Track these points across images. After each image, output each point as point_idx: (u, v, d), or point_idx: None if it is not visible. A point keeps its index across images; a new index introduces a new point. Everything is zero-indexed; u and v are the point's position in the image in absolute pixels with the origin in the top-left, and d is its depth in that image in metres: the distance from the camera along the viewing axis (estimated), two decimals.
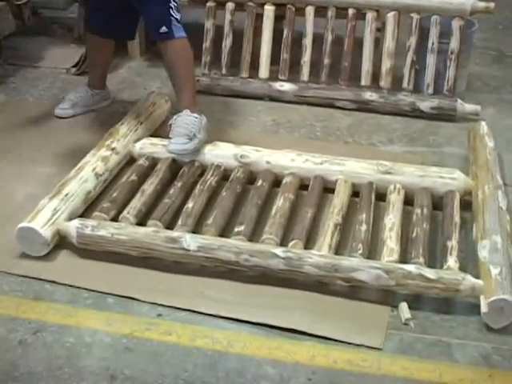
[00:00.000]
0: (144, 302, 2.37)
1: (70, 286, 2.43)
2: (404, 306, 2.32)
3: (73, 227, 2.54)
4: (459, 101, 3.50)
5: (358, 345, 2.21)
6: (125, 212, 2.65)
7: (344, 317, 2.31)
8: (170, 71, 3.11)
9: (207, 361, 2.15)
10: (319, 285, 2.42)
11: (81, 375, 2.11)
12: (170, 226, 2.62)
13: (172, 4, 2.94)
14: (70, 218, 2.61)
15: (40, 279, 2.46)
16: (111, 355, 2.18)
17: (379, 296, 2.38)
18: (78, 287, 2.43)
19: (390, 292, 2.38)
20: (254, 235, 2.59)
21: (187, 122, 2.98)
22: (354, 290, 2.40)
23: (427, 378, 2.11)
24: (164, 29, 2.94)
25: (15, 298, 2.39)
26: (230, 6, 3.72)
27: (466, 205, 2.76)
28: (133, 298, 2.38)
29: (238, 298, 2.39)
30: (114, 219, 2.65)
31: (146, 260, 2.51)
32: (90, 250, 2.55)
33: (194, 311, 2.33)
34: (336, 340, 2.22)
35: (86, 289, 2.42)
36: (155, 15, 2.97)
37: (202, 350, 2.19)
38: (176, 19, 2.96)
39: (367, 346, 2.20)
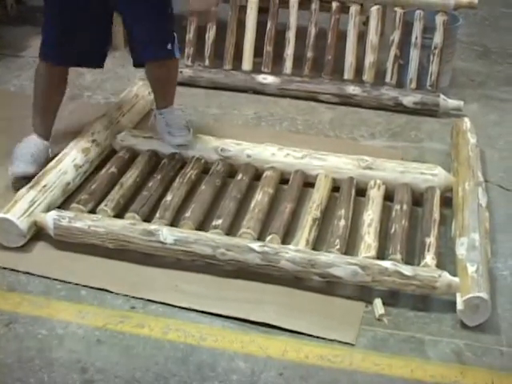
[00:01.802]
0: (118, 294, 2.36)
1: (44, 277, 2.42)
2: (378, 302, 2.32)
3: (50, 219, 2.53)
4: (442, 96, 3.50)
5: (330, 340, 2.21)
6: (102, 204, 2.64)
7: (318, 312, 2.31)
8: (159, 84, 2.99)
9: (179, 354, 2.15)
10: (294, 279, 2.41)
11: (51, 367, 2.10)
12: (148, 218, 2.61)
13: (173, 21, 2.81)
14: (49, 210, 2.60)
15: (14, 270, 2.45)
16: (83, 348, 2.17)
17: (354, 292, 2.38)
18: (52, 279, 2.42)
19: (365, 288, 2.38)
20: (231, 229, 2.58)
21: (178, 114, 2.99)
22: (328, 286, 2.40)
23: (399, 374, 2.11)
24: (169, 46, 2.78)
25: None
26: None
27: (447, 201, 2.76)
28: (106, 291, 2.37)
29: (212, 291, 2.38)
30: (93, 211, 2.63)
31: (123, 252, 2.51)
32: (66, 242, 2.53)
33: (168, 304, 2.32)
34: (309, 335, 2.22)
35: (60, 280, 2.41)
36: (164, 29, 2.78)
37: (174, 344, 2.19)
38: (175, 37, 2.82)
39: (340, 342, 2.20)
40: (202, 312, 2.29)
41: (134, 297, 2.35)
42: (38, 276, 2.43)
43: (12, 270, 2.45)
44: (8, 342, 2.18)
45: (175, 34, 2.83)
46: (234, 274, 2.44)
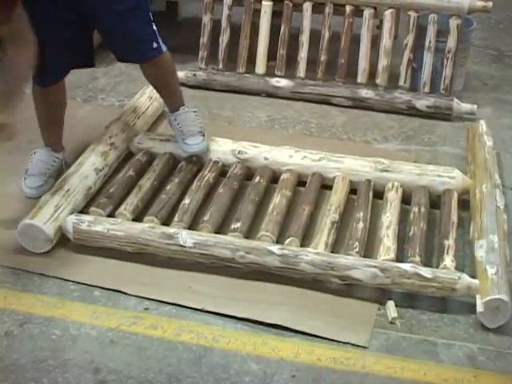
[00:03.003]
0: (131, 295, 2.37)
1: (58, 278, 2.44)
2: (391, 304, 2.32)
3: (69, 223, 2.54)
4: (455, 100, 3.49)
5: (343, 343, 2.21)
6: (121, 208, 2.65)
7: (331, 314, 2.31)
8: (158, 85, 2.98)
9: (191, 356, 2.16)
10: (306, 281, 2.42)
11: (65, 367, 2.11)
12: (166, 222, 2.62)
13: (151, 18, 2.76)
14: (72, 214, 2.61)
15: (28, 271, 2.47)
16: (96, 348, 2.18)
17: (367, 294, 2.38)
18: (66, 280, 2.43)
19: (378, 290, 2.38)
20: (250, 232, 2.59)
21: (192, 118, 2.97)
22: (341, 288, 2.40)
23: (411, 377, 2.11)
24: (155, 44, 2.76)
25: (3, 289, 2.40)
26: (227, 0, 3.71)
27: (464, 204, 2.76)
28: (120, 292, 2.38)
29: (225, 293, 2.39)
30: (111, 215, 2.65)
31: (140, 255, 2.51)
32: (84, 245, 2.55)
33: (181, 306, 2.33)
34: (321, 337, 2.22)
35: (74, 281, 2.43)
36: (144, 32, 2.75)
37: (187, 345, 2.19)
38: (156, 31, 2.77)
39: (353, 344, 2.20)
40: (215, 314, 2.30)
41: (147, 298, 2.36)
42: (52, 277, 2.45)
43: (26, 271, 2.47)
44: (22, 343, 2.19)
45: (155, 29, 2.76)
46: (247, 275, 2.45)
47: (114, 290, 2.39)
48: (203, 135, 2.94)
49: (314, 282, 2.42)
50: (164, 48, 2.83)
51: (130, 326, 2.26)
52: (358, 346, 2.20)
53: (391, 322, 2.28)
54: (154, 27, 2.76)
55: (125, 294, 2.38)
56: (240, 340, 2.22)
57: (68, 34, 2.65)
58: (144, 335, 2.23)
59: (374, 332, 2.25)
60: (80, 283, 2.42)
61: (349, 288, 2.40)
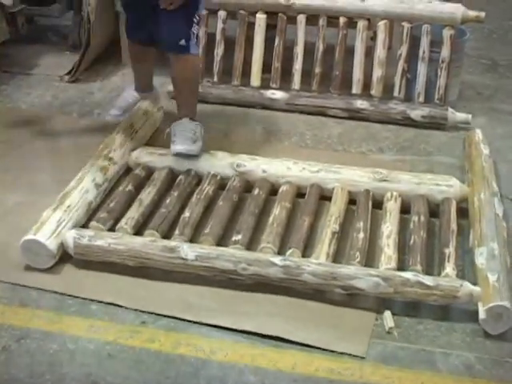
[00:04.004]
0: (128, 309, 2.37)
1: (55, 292, 2.44)
2: (388, 314, 2.33)
3: (70, 237, 2.54)
4: (450, 109, 3.51)
5: (340, 353, 2.21)
6: (122, 222, 2.65)
7: (328, 325, 2.31)
8: (176, 83, 3.15)
9: (189, 368, 2.16)
10: (305, 292, 2.42)
11: (63, 382, 2.11)
12: (167, 235, 2.63)
13: (195, 18, 2.97)
14: None
15: (26, 286, 2.47)
16: (94, 362, 2.18)
17: (364, 304, 2.39)
18: (63, 294, 2.43)
19: (375, 300, 2.38)
20: (251, 244, 2.60)
21: (189, 127, 3.04)
22: (339, 298, 2.41)
23: None
24: (183, 42, 2.96)
25: (0, 304, 2.39)
26: (221, 14, 3.74)
27: (463, 212, 2.77)
28: (117, 305, 2.38)
29: (223, 305, 2.39)
30: (111, 229, 2.65)
31: (140, 269, 2.51)
32: (85, 260, 2.55)
33: (178, 318, 2.33)
34: (319, 348, 2.22)
35: (71, 295, 2.42)
36: (177, 27, 2.96)
37: (185, 358, 2.19)
38: (195, 34, 2.98)
39: (350, 355, 2.20)
40: (213, 326, 2.30)
41: (144, 311, 2.36)
42: (50, 291, 2.45)
43: (23, 286, 2.47)
44: (19, 357, 2.19)
45: (195, 31, 2.98)
46: (245, 287, 2.45)
47: (111, 304, 2.39)
48: (193, 141, 2.99)
49: (311, 292, 2.42)
50: (193, 50, 3.00)
51: (127, 339, 2.26)
52: (355, 356, 2.20)
53: (388, 332, 2.29)
54: (193, 29, 2.96)
55: (122, 307, 2.38)
56: (238, 352, 2.22)
57: (140, 11, 3.12)
58: (142, 348, 2.22)
59: (371, 342, 2.25)
60: (77, 297, 2.42)
61: (346, 298, 2.40)
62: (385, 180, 2.86)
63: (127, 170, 3.04)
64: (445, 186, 2.82)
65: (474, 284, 2.35)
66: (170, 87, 3.49)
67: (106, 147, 3.01)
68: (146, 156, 3.05)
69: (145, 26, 3.11)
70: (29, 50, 4.27)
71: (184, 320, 2.32)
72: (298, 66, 3.68)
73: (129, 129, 3.18)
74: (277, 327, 2.28)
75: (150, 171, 2.99)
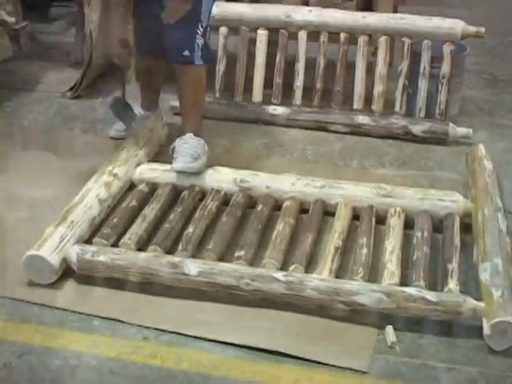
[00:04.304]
0: (130, 324, 2.37)
1: (57, 308, 2.44)
2: (390, 329, 2.32)
3: (73, 253, 2.54)
4: (451, 124, 3.52)
5: (343, 368, 2.20)
6: (125, 237, 2.66)
7: (330, 339, 2.31)
8: (181, 94, 3.17)
9: None
10: (307, 308, 2.42)
11: None
12: (170, 251, 2.63)
13: (199, 30, 2.99)
14: None
15: (28, 302, 2.47)
16: (96, 378, 2.18)
17: (366, 319, 2.38)
18: (65, 309, 2.43)
19: (377, 315, 2.38)
20: (254, 260, 2.60)
21: (191, 144, 3.04)
22: (341, 314, 2.40)
23: None
24: (186, 53, 2.99)
25: (1, 320, 2.39)
26: (223, 30, 3.76)
27: (466, 227, 2.77)
28: (119, 321, 2.38)
29: (224, 320, 2.39)
30: (115, 245, 2.65)
31: (142, 284, 2.51)
32: (88, 275, 2.55)
33: (180, 334, 2.33)
34: (321, 363, 2.22)
35: (73, 311, 2.42)
36: (181, 38, 2.99)
37: (187, 373, 2.19)
38: (199, 45, 3.00)
39: (352, 370, 2.20)
40: (215, 341, 2.30)
41: (146, 327, 2.36)
42: (51, 307, 2.45)
43: (25, 301, 2.47)
44: (21, 374, 2.19)
45: (199, 42, 2.99)
46: (248, 303, 2.45)
47: (113, 320, 2.39)
48: (194, 158, 2.99)
49: (314, 308, 2.42)
50: (197, 61, 3.02)
51: (129, 355, 2.25)
52: (357, 371, 2.19)
53: (390, 347, 2.28)
54: (197, 40, 2.98)
55: (124, 323, 2.38)
56: (240, 367, 2.21)
57: (146, 22, 3.18)
58: (143, 364, 2.22)
59: (373, 357, 2.24)
60: (79, 313, 2.42)
61: (348, 313, 2.40)
62: (388, 196, 2.86)
63: (131, 186, 3.05)
64: (448, 202, 2.83)
65: (478, 300, 2.34)
66: (173, 102, 3.51)
67: (110, 163, 3.02)
68: (149, 172, 3.06)
69: (156, 37, 3.10)
70: (31, 66, 4.29)
71: (186, 335, 2.32)
72: (299, 81, 3.70)
73: (133, 145, 3.19)
74: (279, 342, 2.27)
75: (153, 187, 3.00)
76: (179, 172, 3.00)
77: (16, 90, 4.05)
